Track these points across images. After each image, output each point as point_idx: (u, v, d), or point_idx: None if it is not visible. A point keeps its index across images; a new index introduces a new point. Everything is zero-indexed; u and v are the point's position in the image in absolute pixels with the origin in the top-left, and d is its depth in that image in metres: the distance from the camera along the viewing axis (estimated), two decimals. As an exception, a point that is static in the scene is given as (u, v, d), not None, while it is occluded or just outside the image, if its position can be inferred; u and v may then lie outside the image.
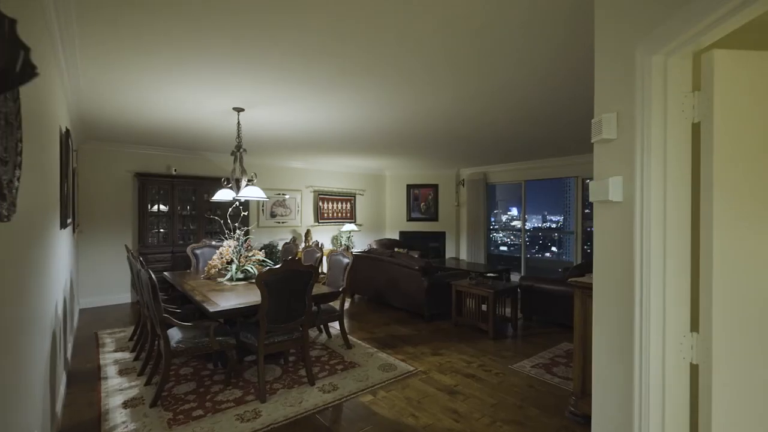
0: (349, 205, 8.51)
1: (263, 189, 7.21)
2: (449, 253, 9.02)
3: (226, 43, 2.42)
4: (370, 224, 8.92)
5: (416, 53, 2.55)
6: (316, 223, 7.97)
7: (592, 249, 7.64)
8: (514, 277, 7.43)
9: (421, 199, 9.09)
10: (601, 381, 1.54)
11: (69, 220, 3.59)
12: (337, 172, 8.35)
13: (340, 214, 8.35)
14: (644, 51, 1.28)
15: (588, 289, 2.64)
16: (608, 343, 1.51)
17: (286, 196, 7.59)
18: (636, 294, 1.31)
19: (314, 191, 7.98)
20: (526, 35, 2.29)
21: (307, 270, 3.03)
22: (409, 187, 9.09)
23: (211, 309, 2.81)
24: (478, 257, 8.49)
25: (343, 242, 7.92)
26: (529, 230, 8.36)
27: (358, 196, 8.69)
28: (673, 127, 1.26)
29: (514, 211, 11.30)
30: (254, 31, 2.26)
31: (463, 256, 8.94)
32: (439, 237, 9.08)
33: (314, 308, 3.56)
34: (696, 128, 1.26)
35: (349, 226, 7.83)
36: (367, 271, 5.89)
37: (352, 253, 6.23)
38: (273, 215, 7.41)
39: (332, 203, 8.23)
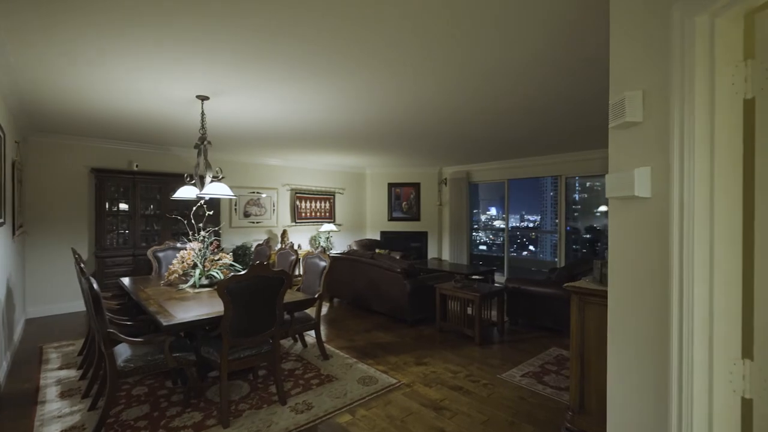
0: (328, 204, 8.17)
1: (236, 187, 6.80)
2: (431, 253, 8.81)
3: (186, 20, 2.07)
4: (350, 224, 8.60)
5: (395, 34, 2.27)
6: (294, 223, 7.59)
7: (579, 250, 7.56)
8: (498, 278, 7.27)
9: (403, 198, 8.84)
10: (618, 414, 1.30)
11: (1, 220, 3.14)
12: (315, 169, 7.99)
13: (318, 214, 8.00)
14: (684, 11, 1.04)
15: (587, 294, 2.42)
16: (628, 367, 1.26)
17: (262, 195, 7.19)
18: (673, 310, 1.07)
19: (291, 189, 7.60)
20: (519, 8, 2.04)
21: (277, 276, 2.70)
22: (391, 185, 8.83)
23: (165, 322, 2.45)
24: (460, 258, 8.30)
25: (321, 243, 7.57)
26: (516, 230, 8.23)
27: (337, 195, 8.36)
28: (721, 105, 1.01)
29: (493, 211, 11.21)
30: (217, 5, 1.92)
31: (446, 256, 8.74)
32: (421, 237, 8.85)
33: (287, 317, 3.23)
34: (749, 105, 1.03)
35: (327, 227, 7.49)
36: (346, 274, 5.58)
37: (329, 255, 5.91)
38: (247, 215, 6.99)
39: (310, 202, 7.87)
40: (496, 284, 5.68)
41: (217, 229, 4.31)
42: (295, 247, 7.41)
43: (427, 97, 3.53)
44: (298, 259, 4.11)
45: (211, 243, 3.61)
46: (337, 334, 4.45)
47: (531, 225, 11.39)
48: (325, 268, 3.68)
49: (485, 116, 4.27)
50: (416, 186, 8.79)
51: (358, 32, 2.27)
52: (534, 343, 4.17)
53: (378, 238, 8.77)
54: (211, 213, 3.64)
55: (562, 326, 4.37)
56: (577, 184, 9.03)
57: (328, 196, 8.18)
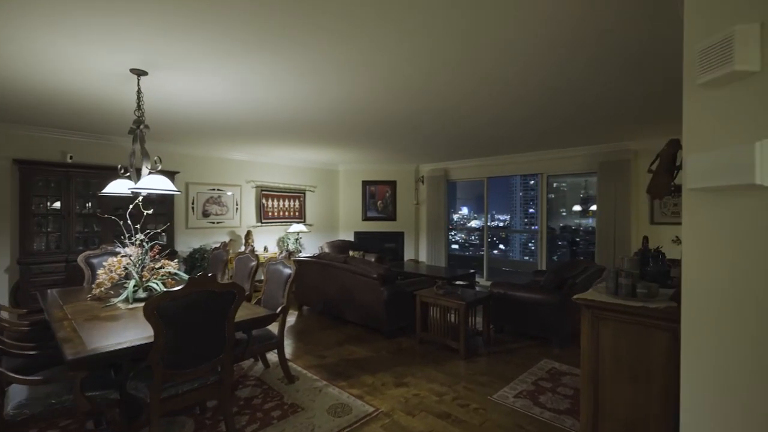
0: (297, 203, 7.58)
1: (196, 183, 6.12)
2: (408, 254, 8.39)
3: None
4: (321, 224, 8.05)
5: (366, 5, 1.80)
6: (259, 224, 6.96)
7: (563, 250, 7.33)
8: (478, 280, 6.93)
9: (378, 197, 8.38)
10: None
11: None
12: (283, 165, 7.39)
13: (287, 213, 7.40)
14: None
15: (602, 309, 2.04)
16: (716, 415, 0.86)
17: (227, 192, 6.53)
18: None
19: (257, 187, 6.97)
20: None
21: (226, 290, 2.17)
22: (365, 183, 8.34)
23: (71, 354, 1.86)
24: (438, 259, 7.93)
25: (290, 245, 6.99)
26: (498, 230, 7.94)
27: (308, 193, 7.79)
28: None
29: (465, 210, 10.95)
30: None
31: (423, 257, 8.35)
32: (397, 238, 8.42)
33: (243, 336, 2.69)
34: None
35: (297, 227, 6.91)
36: (317, 280, 5.05)
37: (296, 260, 5.36)
38: (206, 214, 6.32)
39: (278, 201, 7.27)
40: (478, 288, 5.31)
41: (160, 231, 3.69)
42: (262, 250, 6.80)
43: (402, 84, 3.09)
44: (258, 266, 3.57)
45: (152, 247, 3.01)
46: (305, 350, 3.93)
47: (501, 224, 11.23)
48: (290, 276, 3.15)
49: (464, 108, 3.87)
50: (392, 184, 8.36)
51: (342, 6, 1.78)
52: (523, 355, 3.81)
53: (352, 239, 8.26)
54: (149, 212, 3.03)
55: (551, 334, 4.04)
56: (546, 184, 8.80)
57: (298, 195, 7.60)
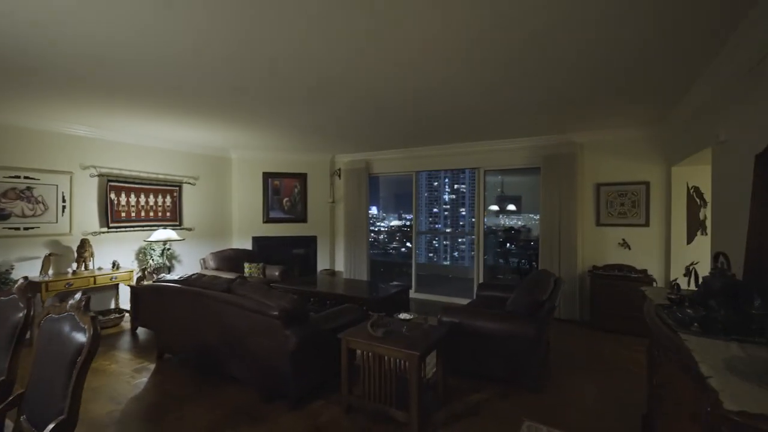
0: (169, 199, 5.56)
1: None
2: (322, 263, 6.92)
3: None
4: (206, 228, 6.12)
5: None
6: (105, 229, 4.82)
7: (508, 255, 6.55)
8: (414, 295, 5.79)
9: (284, 193, 6.74)
10: None
11: None
12: (147, 147, 5.32)
13: (152, 214, 5.35)
14: None
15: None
16: None
17: (47, 183, 4.30)
18: None
19: (102, 176, 4.82)
20: None
21: None
22: (267, 176, 6.63)
23: None
24: (359, 269, 6.61)
25: (154, 258, 4.98)
26: (446, 233, 6.89)
27: (186, 187, 5.81)
28: None
29: (374, 210, 9.92)
30: None
31: (340, 266, 6.96)
32: (309, 243, 6.89)
33: None
34: None
35: (166, 233, 4.92)
36: (186, 315, 3.32)
37: (150, 286, 3.58)
38: (5, 215, 4.04)
39: (138, 197, 5.19)
40: (411, 315, 4.11)
41: None
42: (109, 267, 4.69)
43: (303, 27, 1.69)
44: (29, 323, 1.80)
45: None
46: (148, 454, 2.25)
47: (407, 224, 10.34)
48: (83, 348, 1.49)
49: (388, 83, 2.62)
50: (302, 177, 6.79)
51: None
52: (495, 415, 2.67)
53: (249, 246, 6.49)
54: None
55: (522, 376, 3.00)
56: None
57: (171, 188, 5.58)
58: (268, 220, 6.63)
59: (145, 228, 5.18)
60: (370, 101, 3.64)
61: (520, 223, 8.35)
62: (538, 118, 4.27)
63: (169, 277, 3.74)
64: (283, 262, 6.29)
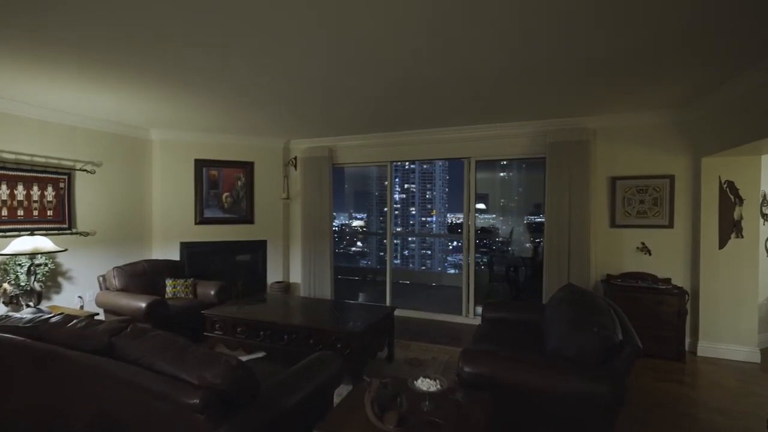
0: (51, 192, 3.94)
1: None
2: (273, 274, 5.58)
3: None
4: (111, 232, 4.54)
5: None
6: (-63, 236, 3.17)
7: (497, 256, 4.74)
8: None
9: (225, 187, 5.32)
10: None
11: None
12: (16, 117, 3.68)
13: (21, 213, 3.72)
14: None
15: None
16: None
17: None
18: None
19: (-69, 155, 3.15)
20: None
21: None
22: (202, 164, 5.17)
23: None
24: (320, 283, 5.37)
25: (19, 277, 3.37)
26: (414, 233, 5.80)
27: (80, 176, 4.21)
28: None
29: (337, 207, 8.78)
30: None
31: (296, 277, 5.68)
32: (256, 249, 5.52)
33: None
34: None
35: (39, 242, 3.31)
36: (31, 392, 1.91)
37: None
38: None
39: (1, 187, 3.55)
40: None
41: None
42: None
43: None
44: None
45: None
46: None
47: (359, 225, 9.20)
48: None
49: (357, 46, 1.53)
50: (247, 167, 5.41)
51: None
52: None
53: (176, 255, 4.99)
54: None
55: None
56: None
57: (55, 177, 3.97)
58: (202, 220, 5.17)
59: (8, 234, 3.55)
60: (339, 75, 2.47)
61: (493, 223, 7.58)
62: (548, 89, 3.33)
63: (24, 313, 2.29)
64: (222, 276, 4.89)
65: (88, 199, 4.26)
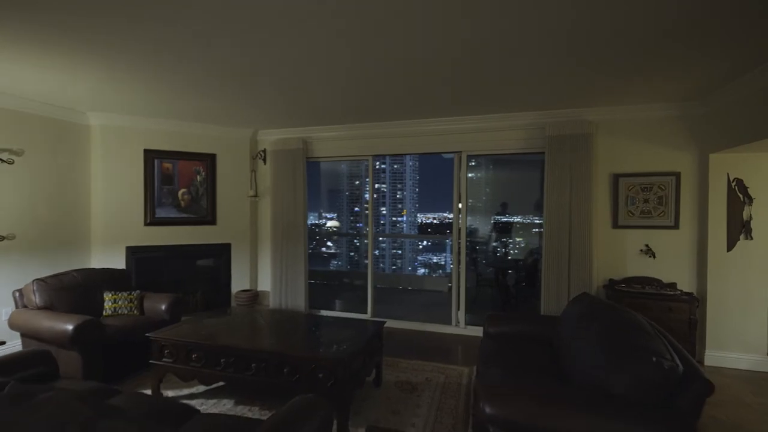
0: (-49, 185, 3.14)
1: None
2: (238, 281, 4.92)
3: None
4: (36, 236, 3.74)
5: None
6: None
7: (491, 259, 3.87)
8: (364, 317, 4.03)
9: (181, 183, 4.60)
10: None
11: None
12: None
13: None
14: None
15: None
16: None
17: None
18: None
19: None
20: None
21: None
22: (153, 155, 4.43)
23: None
24: (293, 290, 4.77)
25: None
26: (424, 234, 5.29)
27: (-5, 167, 3.41)
28: None
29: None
30: None
31: (265, 284, 5.05)
32: (219, 253, 4.84)
33: None
34: None
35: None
36: None
37: None
38: None
39: None
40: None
41: None
42: None
43: None
44: None
45: None
46: None
47: (336, 225, 8.69)
48: None
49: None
50: (208, 160, 4.72)
51: None
52: None
53: (121, 263, 4.24)
54: None
55: None
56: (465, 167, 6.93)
57: (-42, 167, 3.16)
58: (153, 221, 4.43)
59: None
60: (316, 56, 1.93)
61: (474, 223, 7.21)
62: (547, 79, 2.95)
63: None
64: (177, 286, 4.22)
65: (4, 195, 3.47)
